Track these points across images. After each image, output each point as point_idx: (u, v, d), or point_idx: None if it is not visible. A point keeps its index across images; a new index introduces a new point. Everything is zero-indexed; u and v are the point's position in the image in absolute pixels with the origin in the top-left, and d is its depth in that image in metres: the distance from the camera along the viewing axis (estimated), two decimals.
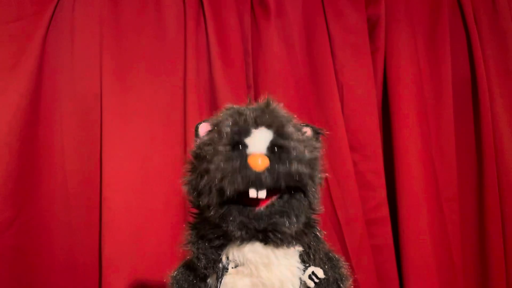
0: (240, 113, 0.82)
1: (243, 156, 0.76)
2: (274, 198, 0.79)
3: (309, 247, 0.84)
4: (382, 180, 1.52)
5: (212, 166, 0.77)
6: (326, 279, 0.82)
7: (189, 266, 0.86)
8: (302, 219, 0.80)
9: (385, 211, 1.51)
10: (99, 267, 1.40)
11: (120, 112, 1.43)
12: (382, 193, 1.51)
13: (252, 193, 0.75)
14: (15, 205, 1.35)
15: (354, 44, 1.55)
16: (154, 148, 1.42)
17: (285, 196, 0.79)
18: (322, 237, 0.87)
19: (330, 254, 0.88)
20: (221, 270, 0.81)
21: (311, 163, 0.80)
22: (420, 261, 1.46)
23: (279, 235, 0.78)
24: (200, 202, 0.80)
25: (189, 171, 0.84)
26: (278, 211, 0.78)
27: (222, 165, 0.76)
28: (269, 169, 0.75)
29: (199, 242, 0.84)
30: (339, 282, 0.85)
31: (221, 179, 0.75)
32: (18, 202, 1.36)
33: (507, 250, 1.52)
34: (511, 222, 1.53)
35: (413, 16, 1.60)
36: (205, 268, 0.82)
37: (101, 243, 1.38)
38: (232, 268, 0.81)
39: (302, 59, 1.54)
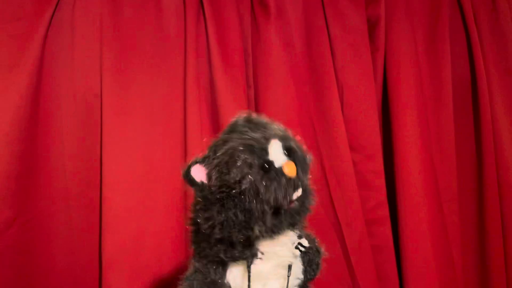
0: (247, 140, 0.85)
1: (279, 171, 0.82)
2: None
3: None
4: (382, 180, 1.52)
5: (258, 193, 0.81)
6: (310, 247, 0.92)
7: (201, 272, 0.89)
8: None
9: (385, 211, 1.51)
10: (99, 267, 1.40)
11: (120, 112, 1.42)
12: (382, 193, 1.51)
13: (295, 195, 0.84)
14: (15, 205, 1.35)
15: (354, 44, 1.55)
16: (154, 148, 1.42)
17: None
18: None
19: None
20: (250, 257, 0.85)
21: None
22: (420, 261, 1.46)
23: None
24: (245, 229, 0.83)
25: (203, 213, 0.85)
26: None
27: (270, 187, 0.81)
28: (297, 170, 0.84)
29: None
30: (319, 251, 0.96)
31: (275, 198, 0.81)
32: (18, 202, 1.36)
33: (507, 250, 1.52)
34: (511, 222, 1.53)
35: (413, 16, 1.60)
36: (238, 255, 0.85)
37: (101, 243, 1.38)
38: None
39: (302, 59, 1.54)
